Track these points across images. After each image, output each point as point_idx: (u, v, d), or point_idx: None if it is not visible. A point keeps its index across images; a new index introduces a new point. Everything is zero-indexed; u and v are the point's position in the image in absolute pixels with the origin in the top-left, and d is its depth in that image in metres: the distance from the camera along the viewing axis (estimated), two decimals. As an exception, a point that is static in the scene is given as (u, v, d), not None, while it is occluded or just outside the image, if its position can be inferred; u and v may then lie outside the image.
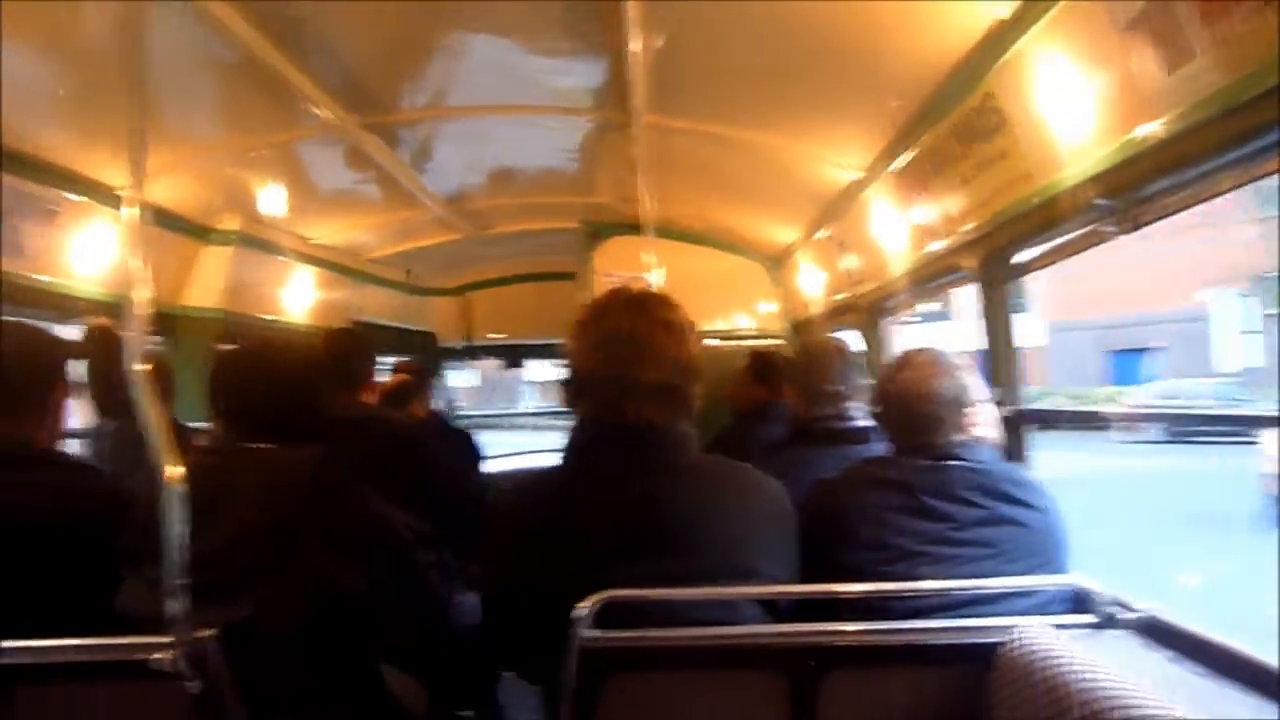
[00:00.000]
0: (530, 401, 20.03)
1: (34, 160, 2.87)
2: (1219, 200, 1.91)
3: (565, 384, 1.81)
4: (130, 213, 1.74)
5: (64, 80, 2.54)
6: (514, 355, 7.04)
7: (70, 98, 2.62)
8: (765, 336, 5.31)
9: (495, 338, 6.64)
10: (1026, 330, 19.73)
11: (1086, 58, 1.90)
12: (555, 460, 1.84)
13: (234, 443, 1.94)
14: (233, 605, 1.72)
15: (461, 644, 2.37)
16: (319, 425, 2.03)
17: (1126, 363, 25.75)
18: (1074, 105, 1.97)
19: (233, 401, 1.98)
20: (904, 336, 3.96)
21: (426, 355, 6.07)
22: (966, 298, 3.20)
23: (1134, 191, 1.95)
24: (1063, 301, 25.12)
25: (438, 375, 6.26)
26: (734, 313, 5.45)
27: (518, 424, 11.38)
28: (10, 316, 2.26)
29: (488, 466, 4.14)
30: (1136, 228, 2.07)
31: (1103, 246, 2.20)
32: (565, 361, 1.83)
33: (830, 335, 3.83)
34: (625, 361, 1.74)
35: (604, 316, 1.81)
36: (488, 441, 4.21)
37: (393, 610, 1.89)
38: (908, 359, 2.13)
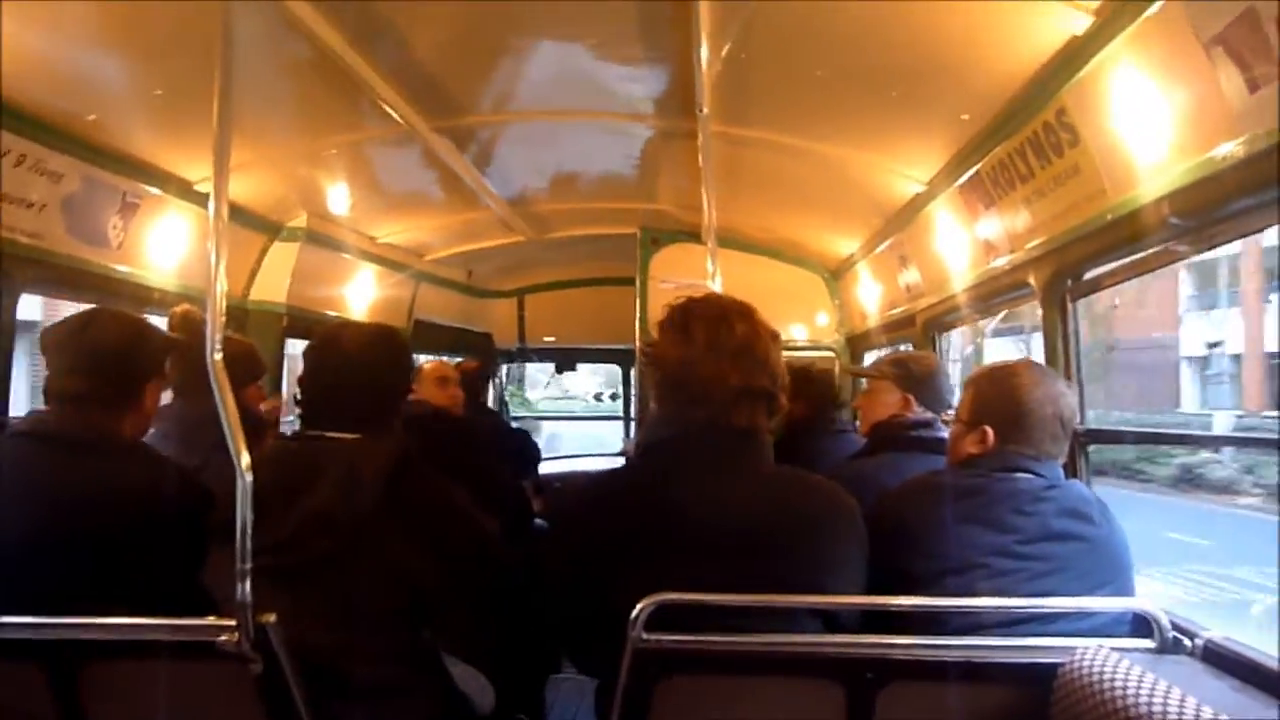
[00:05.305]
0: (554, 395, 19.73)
1: (118, 153, 2.96)
2: None
3: (659, 383, 1.80)
4: (214, 210, 1.81)
5: (148, 77, 2.63)
6: (567, 358, 7.12)
7: (153, 94, 2.71)
8: (819, 348, 5.29)
9: (549, 341, 6.71)
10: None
11: (1165, 74, 1.87)
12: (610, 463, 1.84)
13: (313, 431, 1.98)
14: (307, 590, 1.77)
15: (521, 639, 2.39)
16: (393, 418, 2.07)
17: None
18: (1151, 122, 1.95)
19: (315, 390, 2.02)
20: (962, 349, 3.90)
21: (483, 356, 6.14)
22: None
23: (1211, 211, 1.91)
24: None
25: (493, 376, 6.34)
26: (789, 323, 5.42)
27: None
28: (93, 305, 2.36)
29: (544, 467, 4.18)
30: (1211, 247, 2.04)
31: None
32: (660, 360, 1.81)
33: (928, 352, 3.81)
34: (737, 365, 1.74)
35: (706, 319, 1.79)
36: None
37: (467, 602, 1.92)
38: (1009, 366, 2.10)
